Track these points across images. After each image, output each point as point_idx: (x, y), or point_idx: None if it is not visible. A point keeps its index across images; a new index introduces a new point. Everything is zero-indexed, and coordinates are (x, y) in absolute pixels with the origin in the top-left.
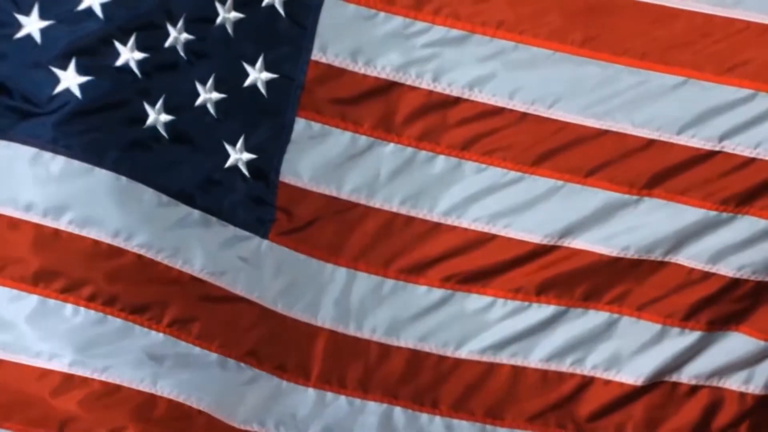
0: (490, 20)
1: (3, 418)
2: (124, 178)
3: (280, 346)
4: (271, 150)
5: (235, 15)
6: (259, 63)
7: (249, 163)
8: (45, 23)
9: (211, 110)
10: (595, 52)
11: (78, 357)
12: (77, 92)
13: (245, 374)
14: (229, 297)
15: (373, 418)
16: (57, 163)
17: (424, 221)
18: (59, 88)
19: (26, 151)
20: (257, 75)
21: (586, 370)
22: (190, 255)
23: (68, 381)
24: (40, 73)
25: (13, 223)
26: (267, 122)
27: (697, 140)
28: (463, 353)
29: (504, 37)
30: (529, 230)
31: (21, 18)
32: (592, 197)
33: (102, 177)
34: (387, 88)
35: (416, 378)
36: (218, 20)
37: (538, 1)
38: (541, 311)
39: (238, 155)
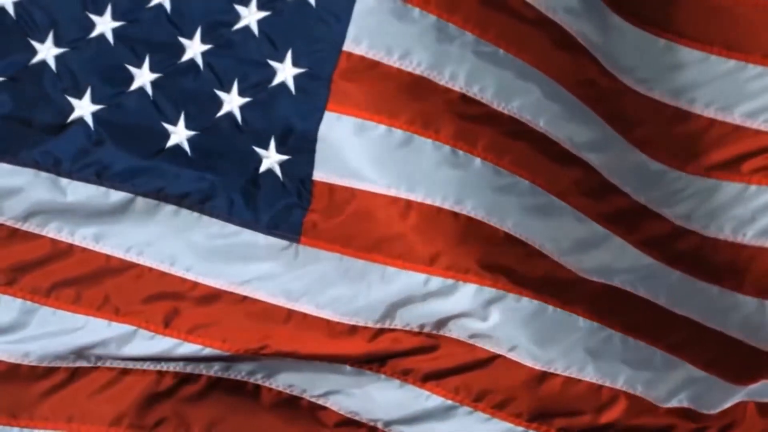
0: (512, 39)
1: None
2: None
3: None
4: (304, 147)
5: (259, 14)
6: (288, 59)
7: (283, 164)
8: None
9: (237, 116)
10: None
11: None
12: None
13: None
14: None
15: None
16: None
17: (469, 218)
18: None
19: None
20: (286, 72)
21: None
22: None
23: None
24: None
25: None
26: (297, 119)
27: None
28: None
29: (518, 56)
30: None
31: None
32: None
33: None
34: (421, 83)
35: None
36: (240, 23)
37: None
38: None
39: (271, 158)
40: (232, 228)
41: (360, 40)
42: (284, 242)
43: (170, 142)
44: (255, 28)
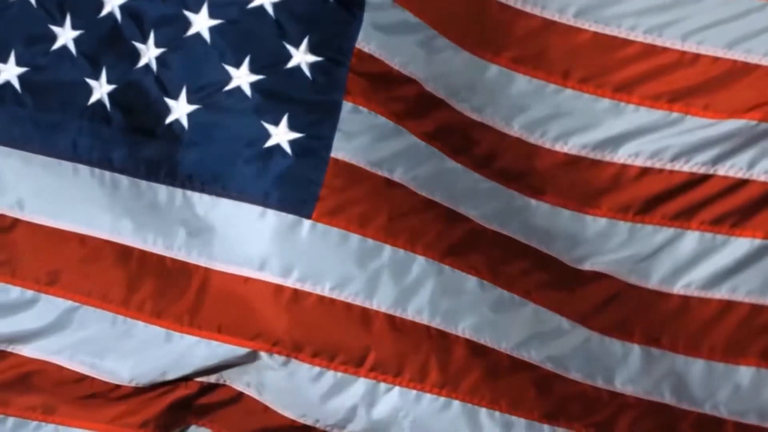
0: (488, 46)
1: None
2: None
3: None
4: (320, 128)
5: None
6: (304, 45)
7: (294, 142)
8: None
9: (247, 91)
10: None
11: None
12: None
13: None
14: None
15: None
16: None
17: (467, 219)
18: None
19: None
20: (301, 57)
21: None
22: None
23: None
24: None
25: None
26: (313, 103)
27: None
28: None
29: (499, 63)
30: None
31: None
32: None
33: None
34: (416, 89)
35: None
36: (254, 2)
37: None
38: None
39: (281, 135)
40: (245, 207)
41: (370, 40)
42: (295, 217)
43: (169, 118)
44: (270, 10)
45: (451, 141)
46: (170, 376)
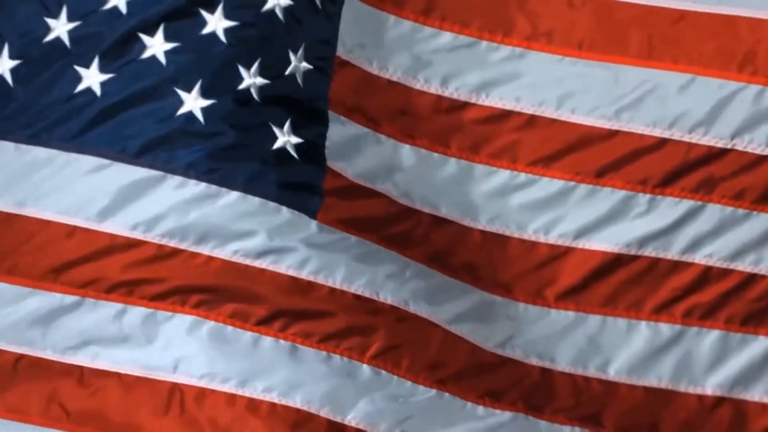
0: (496, 28)
1: None
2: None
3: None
4: (315, 136)
5: (285, 1)
6: (300, 52)
7: (297, 147)
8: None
9: (255, 95)
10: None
11: None
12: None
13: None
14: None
15: None
16: None
17: (450, 222)
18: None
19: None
20: (297, 64)
21: None
22: None
23: None
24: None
25: None
26: (307, 110)
27: (710, 138)
28: None
29: (510, 43)
30: (542, 232)
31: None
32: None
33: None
34: (399, 89)
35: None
36: (267, 5)
37: (544, 8)
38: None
39: (286, 138)
40: (253, 200)
41: (347, 46)
42: (305, 216)
43: (182, 110)
44: (281, 15)
45: (440, 135)
46: None
